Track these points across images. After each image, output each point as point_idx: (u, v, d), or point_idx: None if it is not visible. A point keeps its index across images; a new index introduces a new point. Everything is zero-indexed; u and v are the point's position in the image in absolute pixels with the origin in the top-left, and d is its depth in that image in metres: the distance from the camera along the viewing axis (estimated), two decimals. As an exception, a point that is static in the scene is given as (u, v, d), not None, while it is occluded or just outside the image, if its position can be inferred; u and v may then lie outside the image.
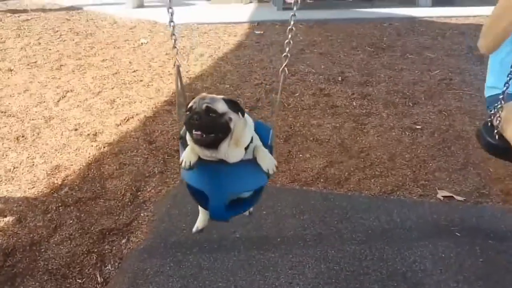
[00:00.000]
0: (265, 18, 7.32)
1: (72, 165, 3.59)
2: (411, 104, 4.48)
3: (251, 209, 2.32)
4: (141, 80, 5.07)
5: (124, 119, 4.24)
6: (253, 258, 2.61)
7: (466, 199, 3.16)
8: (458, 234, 2.78)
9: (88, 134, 4.01)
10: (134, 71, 5.31)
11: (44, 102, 4.62)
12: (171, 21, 1.82)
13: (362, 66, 5.37)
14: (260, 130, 1.96)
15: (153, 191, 3.28)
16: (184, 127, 1.83)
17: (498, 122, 2.02)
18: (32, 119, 4.28)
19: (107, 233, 2.89)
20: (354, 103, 4.51)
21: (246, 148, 1.79)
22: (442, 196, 3.19)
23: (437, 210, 3.01)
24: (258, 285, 2.42)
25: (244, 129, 1.79)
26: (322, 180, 3.39)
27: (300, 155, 3.69)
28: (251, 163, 1.80)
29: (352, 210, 3.01)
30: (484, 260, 2.60)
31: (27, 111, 4.43)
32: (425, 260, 2.59)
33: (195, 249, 2.69)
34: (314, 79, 5.01)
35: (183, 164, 1.76)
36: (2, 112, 4.40)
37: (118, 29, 6.80)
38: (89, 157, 3.68)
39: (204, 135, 1.66)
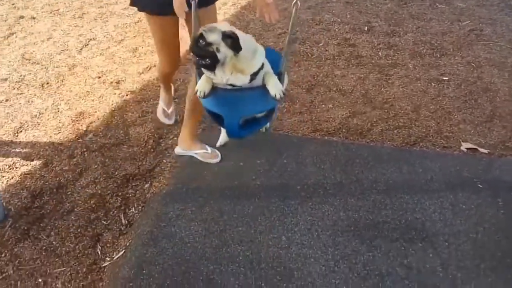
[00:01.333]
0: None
1: (96, 112, 3.63)
2: (438, 55, 4.35)
3: (268, 126, 2.66)
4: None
5: (147, 68, 4.24)
6: (273, 204, 2.64)
7: (490, 151, 3.11)
8: (481, 186, 2.76)
9: (111, 82, 4.02)
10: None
11: (67, 50, 4.62)
12: None
13: (389, 15, 5.20)
14: (271, 56, 2.10)
15: (175, 138, 3.31)
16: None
17: None
18: (56, 67, 4.31)
19: (131, 178, 2.95)
20: (379, 53, 4.40)
21: (256, 74, 1.96)
22: (466, 148, 3.14)
23: (460, 162, 2.97)
24: (277, 231, 2.46)
25: (249, 59, 1.96)
26: (344, 130, 3.36)
27: (323, 105, 3.65)
28: (261, 88, 1.99)
29: (373, 160, 2.99)
30: (505, 212, 2.58)
31: (51, 58, 4.46)
32: (445, 210, 2.58)
33: (216, 195, 2.73)
34: (339, 29, 4.89)
35: (198, 93, 1.96)
36: (26, 59, 4.44)
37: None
38: (112, 105, 3.71)
39: (197, 59, 1.95)
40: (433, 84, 3.89)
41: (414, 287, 2.14)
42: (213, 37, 1.88)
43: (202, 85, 1.97)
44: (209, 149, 3.02)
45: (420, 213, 2.57)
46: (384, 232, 2.45)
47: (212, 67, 1.93)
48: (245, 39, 1.94)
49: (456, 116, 3.48)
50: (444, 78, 3.97)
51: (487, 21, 5.04)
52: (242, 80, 1.96)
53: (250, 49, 1.95)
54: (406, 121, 3.44)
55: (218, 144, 2.59)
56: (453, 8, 5.37)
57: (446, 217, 2.54)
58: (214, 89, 1.99)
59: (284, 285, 2.14)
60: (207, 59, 1.91)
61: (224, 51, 1.89)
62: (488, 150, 3.12)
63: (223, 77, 1.95)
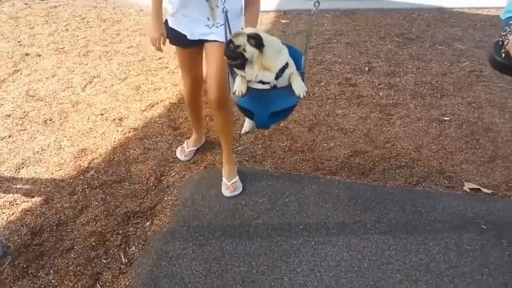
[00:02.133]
0: (291, 7, 7.27)
1: (98, 148, 3.64)
2: (439, 96, 4.40)
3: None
4: (166, 67, 5.09)
5: (149, 105, 4.28)
6: (275, 244, 2.61)
7: (494, 191, 3.10)
8: (484, 227, 2.73)
9: (114, 119, 4.05)
10: (159, 58, 5.33)
11: (71, 87, 4.68)
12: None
13: (390, 56, 5.28)
14: (294, 54, 2.37)
15: (176, 176, 3.31)
16: None
17: (506, 43, 2.06)
18: (60, 103, 4.35)
19: (132, 215, 2.93)
20: (380, 93, 4.45)
21: (282, 72, 2.23)
22: (469, 188, 3.13)
23: (463, 202, 2.96)
24: (279, 271, 2.42)
25: (275, 57, 2.23)
26: (346, 169, 3.36)
27: (325, 144, 3.66)
28: (287, 88, 2.26)
29: (376, 200, 2.98)
30: (511, 254, 2.55)
31: (54, 95, 4.50)
32: (450, 251, 2.55)
33: (218, 234, 2.70)
34: (340, 69, 4.95)
35: (236, 93, 2.22)
36: (30, 96, 4.48)
37: (144, 16, 6.82)
38: (114, 142, 3.72)
39: (228, 60, 2.26)
40: (434, 124, 3.91)
41: (420, 331, 2.09)
42: (240, 40, 2.17)
43: (239, 86, 2.24)
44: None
45: (424, 254, 2.53)
46: (388, 273, 2.41)
47: (242, 66, 2.21)
48: (269, 39, 2.24)
49: (458, 156, 3.49)
50: (445, 118, 4.00)
51: (486, 62, 5.09)
52: (269, 76, 2.23)
53: (274, 48, 2.24)
54: (408, 160, 3.44)
55: (243, 131, 2.83)
56: (453, 50, 5.46)
57: (450, 258, 2.50)
58: (248, 90, 2.27)
59: (287, 327, 2.10)
60: (238, 60, 2.19)
61: (250, 50, 2.17)
62: (491, 190, 3.11)
63: (252, 73, 2.22)
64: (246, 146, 3.62)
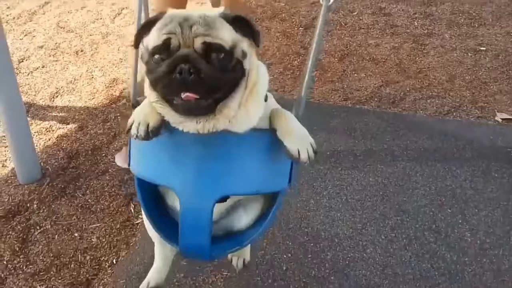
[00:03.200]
0: None
1: (128, 78, 3.68)
2: (476, 25, 4.22)
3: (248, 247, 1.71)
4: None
5: (179, 36, 4.26)
6: (302, 169, 2.64)
7: (527, 122, 3.04)
8: (515, 156, 2.70)
9: (144, 50, 4.06)
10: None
11: (101, 18, 4.69)
12: None
13: (426, -15, 5.06)
14: None
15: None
16: (146, 83, 1.20)
17: None
18: (90, 35, 4.38)
19: (162, 141, 3.00)
20: (415, 23, 4.30)
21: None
22: (501, 119, 3.07)
23: (494, 132, 2.91)
24: (306, 194, 2.47)
25: (258, 68, 1.22)
26: (376, 99, 3.32)
27: (355, 74, 3.61)
28: (267, 137, 1.20)
29: (405, 129, 2.96)
30: (540, 182, 2.53)
31: (85, 27, 4.53)
32: (477, 178, 2.55)
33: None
34: (373, -2, 4.80)
35: (133, 131, 1.13)
36: (61, 27, 4.52)
37: None
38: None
39: (201, 98, 1.07)
40: (469, 54, 3.79)
41: (442, 251, 2.13)
42: (229, 35, 1.12)
43: (144, 115, 1.16)
44: None
45: (450, 180, 2.54)
46: (413, 197, 2.43)
47: (221, 101, 1.14)
48: None
49: (492, 87, 3.39)
50: (482, 49, 3.86)
51: (529, -9, 4.84)
52: (252, 116, 1.20)
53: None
54: (440, 91, 3.37)
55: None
56: (494, -23, 5.18)
57: (477, 185, 2.50)
58: (167, 131, 1.19)
59: (311, 244, 2.17)
60: (228, 87, 1.14)
61: (248, 53, 1.17)
62: (524, 121, 3.04)
63: (232, 114, 1.16)
64: (275, 76, 3.61)
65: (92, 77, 3.73)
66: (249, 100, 1.17)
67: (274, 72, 3.65)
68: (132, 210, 2.47)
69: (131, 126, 1.14)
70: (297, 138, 1.15)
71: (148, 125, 1.12)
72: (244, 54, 1.13)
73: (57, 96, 3.51)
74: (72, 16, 4.75)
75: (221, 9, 1.17)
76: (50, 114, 3.33)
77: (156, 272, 1.70)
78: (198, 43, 1.06)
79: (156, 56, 1.09)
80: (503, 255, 2.12)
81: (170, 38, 1.07)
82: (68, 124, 3.21)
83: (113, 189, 2.63)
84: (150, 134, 1.12)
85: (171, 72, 1.04)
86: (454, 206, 2.37)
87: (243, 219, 1.39)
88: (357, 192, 2.48)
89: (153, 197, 1.35)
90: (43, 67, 3.89)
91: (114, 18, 4.68)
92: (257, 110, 1.19)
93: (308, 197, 2.45)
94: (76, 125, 3.19)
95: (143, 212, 1.34)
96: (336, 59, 3.79)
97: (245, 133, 1.17)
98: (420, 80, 3.49)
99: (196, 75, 1.03)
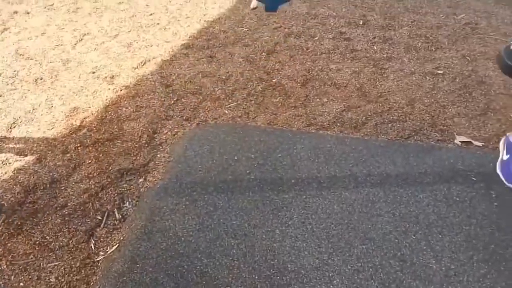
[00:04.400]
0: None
1: (90, 107, 3.62)
2: (433, 49, 4.35)
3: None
4: (158, 23, 5.01)
5: (141, 62, 4.22)
6: (267, 198, 2.63)
7: (485, 144, 3.11)
8: (474, 179, 2.76)
9: (105, 77, 4.01)
10: (151, 14, 5.23)
11: (61, 45, 4.60)
12: None
13: (385, 9, 5.19)
14: None
15: (169, 133, 3.30)
16: None
17: None
18: (50, 62, 4.29)
19: (125, 172, 2.94)
20: (375, 47, 4.39)
21: None
22: (460, 141, 3.14)
23: (454, 155, 2.97)
24: (271, 224, 2.45)
25: None
26: (338, 124, 3.36)
27: (318, 100, 3.64)
28: None
29: (368, 154, 2.99)
30: (499, 205, 2.58)
31: (45, 53, 4.44)
32: (439, 203, 2.59)
33: (210, 189, 2.72)
34: (334, 23, 4.88)
35: None
36: (20, 54, 4.42)
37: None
38: (106, 100, 3.69)
39: None
40: (428, 78, 3.89)
41: (408, 279, 2.14)
42: None
43: None
44: None
45: (414, 206, 2.57)
46: (378, 224, 2.45)
47: None
48: None
49: (450, 110, 3.48)
50: (439, 72, 3.97)
51: (482, 14, 5.03)
52: None
53: None
54: (401, 114, 3.44)
55: (251, 6, 2.66)
56: (449, 1, 5.37)
57: (440, 209, 2.54)
58: None
59: (278, 278, 2.14)
60: None
61: None
62: (482, 143, 3.12)
63: None
64: (239, 102, 3.61)
65: (52, 106, 3.64)
66: None
67: (237, 98, 3.65)
68: (93, 247, 2.40)
69: None
70: None
71: None
72: None
73: (14, 127, 3.41)
74: (32, 42, 4.65)
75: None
76: (7, 146, 3.23)
77: (254, 3, 2.47)
78: None
79: None
80: (468, 281, 2.14)
81: None
82: (26, 156, 3.11)
83: (72, 225, 2.55)
84: None
85: None
86: (418, 232, 2.40)
87: None
88: (323, 220, 2.48)
89: None
90: (0, 96, 3.78)
91: (75, 44, 4.61)
92: None
93: (274, 227, 2.44)
94: (34, 157, 3.09)
95: None
96: (299, 84, 3.83)
97: None
98: (381, 104, 3.55)
99: None
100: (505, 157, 2.79)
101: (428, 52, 4.29)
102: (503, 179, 2.73)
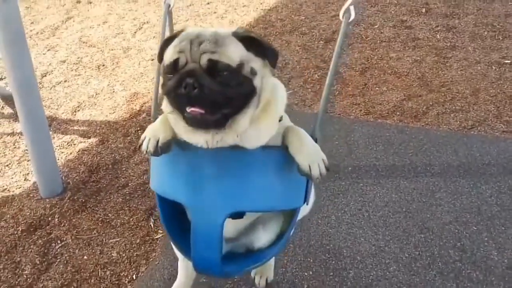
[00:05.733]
0: None
1: (149, 92, 3.71)
2: (500, 38, 4.15)
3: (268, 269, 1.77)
4: (215, 12, 5.06)
5: (199, 50, 4.28)
6: (324, 185, 2.61)
7: (555, 136, 2.95)
8: (543, 171, 2.62)
9: (165, 64, 4.09)
10: (208, 3, 5.29)
11: (122, 33, 4.75)
12: None
13: (448, -3, 5.01)
14: None
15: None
16: (164, 98, 1.24)
17: None
18: (112, 49, 4.43)
19: (182, 156, 3.00)
20: (437, 35, 4.25)
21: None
22: (528, 133, 3.00)
23: (521, 147, 2.84)
24: (327, 210, 2.43)
25: (274, 88, 1.25)
26: (398, 113, 3.28)
27: (377, 88, 3.57)
28: (279, 153, 1.21)
29: (428, 144, 2.90)
30: None
31: (106, 41, 4.58)
32: (502, 195, 2.48)
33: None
34: (395, 11, 4.75)
35: (144, 147, 1.21)
36: (83, 42, 4.58)
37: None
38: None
39: (208, 112, 1.09)
40: (493, 68, 3.72)
41: (467, 270, 2.07)
42: (237, 52, 1.16)
43: (155, 130, 1.23)
44: None
45: (475, 197, 2.47)
46: (437, 214, 2.37)
47: (232, 116, 1.17)
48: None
49: (518, 100, 3.32)
50: (506, 61, 3.79)
51: (554, 2, 4.76)
52: (264, 133, 1.23)
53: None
54: (464, 104, 3.31)
55: None
56: (518, -11, 5.11)
57: (503, 201, 2.43)
58: (178, 147, 1.25)
59: (333, 262, 2.12)
60: (237, 104, 1.16)
61: (259, 71, 1.20)
62: (552, 135, 2.96)
63: (242, 129, 1.18)
64: (296, 90, 3.59)
65: (113, 91, 3.76)
66: (262, 117, 1.20)
67: (294, 86, 3.64)
68: (152, 225, 2.46)
69: (142, 141, 1.22)
70: (309, 154, 1.18)
71: (158, 141, 1.19)
72: (253, 72, 1.14)
73: (78, 110, 3.55)
74: (94, 31, 4.82)
75: (234, 28, 1.22)
76: (72, 128, 3.36)
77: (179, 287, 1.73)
78: (204, 59, 1.11)
79: (168, 74, 1.15)
80: (533, 276, 2.05)
81: (179, 57, 1.14)
82: (90, 138, 3.23)
83: (133, 203, 2.63)
84: (159, 149, 1.18)
85: (178, 86, 1.10)
86: (480, 224, 2.31)
87: (263, 237, 1.40)
88: (380, 208, 2.43)
89: (175, 212, 1.36)
90: (65, 81, 3.94)
91: (135, 32, 4.73)
92: (269, 128, 1.21)
93: (330, 213, 2.41)
94: (97, 139, 3.21)
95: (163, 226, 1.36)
96: (357, 73, 3.76)
97: (257, 149, 1.19)
98: (443, 94, 3.43)
99: (199, 90, 1.07)
100: None
101: (495, 41, 4.10)
102: None
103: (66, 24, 4.99)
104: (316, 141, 1.30)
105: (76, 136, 3.25)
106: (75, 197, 2.69)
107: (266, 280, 1.89)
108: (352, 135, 3.02)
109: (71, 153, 3.09)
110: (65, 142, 3.20)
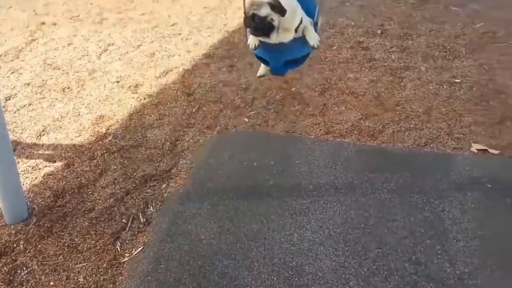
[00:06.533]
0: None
1: (115, 115, 3.76)
2: (451, 58, 4.39)
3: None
4: (179, 34, 5.15)
5: (163, 72, 4.36)
6: (286, 203, 2.72)
7: (501, 152, 3.15)
8: (490, 186, 2.80)
9: (129, 86, 4.15)
10: (173, 25, 5.38)
11: (87, 55, 4.78)
12: None
13: (403, 18, 5.25)
14: (308, 4, 2.47)
15: (191, 141, 3.42)
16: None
17: None
18: (77, 72, 4.46)
19: (149, 178, 3.06)
20: (392, 56, 4.46)
21: (296, 29, 2.35)
22: (476, 149, 3.19)
23: (470, 163, 3.02)
24: (289, 228, 2.54)
25: (291, 18, 2.32)
26: (356, 132, 3.43)
27: (335, 108, 3.72)
28: (300, 39, 2.39)
29: (384, 161, 3.06)
30: (514, 211, 2.63)
31: (71, 64, 4.61)
32: (454, 209, 2.64)
33: (231, 195, 2.82)
34: (352, 32, 4.96)
35: (250, 46, 2.41)
36: (48, 64, 4.60)
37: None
38: (130, 108, 3.83)
39: (256, 32, 2.34)
40: (445, 87, 3.94)
41: (422, 282, 2.20)
42: (263, 11, 2.22)
43: (252, 40, 2.40)
44: None
45: (429, 211, 2.63)
46: (393, 229, 2.51)
47: (267, 34, 2.31)
48: (286, 1, 2.26)
49: (467, 118, 3.52)
50: (456, 81, 4.02)
51: (501, 23, 5.05)
52: (288, 37, 2.36)
53: (291, 10, 2.30)
54: (418, 123, 3.50)
55: (258, 74, 2.83)
56: (468, 11, 5.40)
57: (454, 215, 2.59)
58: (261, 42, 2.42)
59: (296, 279, 2.23)
60: (265, 31, 2.29)
61: (276, 19, 2.25)
62: (499, 151, 3.16)
63: (276, 38, 2.33)
64: (259, 110, 3.71)
65: (79, 114, 3.79)
66: (283, 33, 2.33)
67: (257, 106, 3.76)
68: (119, 248, 2.51)
69: (249, 43, 2.40)
70: (312, 39, 2.38)
71: (255, 44, 2.38)
72: (272, 19, 2.23)
73: (43, 134, 3.57)
74: (58, 53, 4.83)
75: None
76: (37, 152, 3.38)
77: (262, 70, 2.76)
78: (250, 13, 2.24)
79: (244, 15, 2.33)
80: (482, 285, 2.19)
81: (245, 11, 2.29)
82: (55, 162, 3.26)
83: (99, 228, 2.67)
84: (256, 47, 2.39)
85: (245, 22, 2.34)
86: (433, 237, 2.46)
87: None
88: (339, 225, 2.56)
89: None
90: (30, 104, 3.95)
91: (100, 54, 4.78)
92: (286, 36, 2.35)
93: (292, 231, 2.52)
94: (63, 163, 3.24)
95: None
96: (317, 93, 3.91)
97: (294, 39, 2.38)
98: (398, 113, 3.61)
99: (249, 24, 2.29)
100: None
101: (446, 61, 4.34)
102: None
103: (30, 46, 4.99)
104: (317, 25, 2.46)
105: (41, 160, 3.27)
106: (40, 223, 2.71)
107: None
108: (312, 154, 3.16)
109: (36, 178, 3.11)
110: (30, 166, 3.22)
